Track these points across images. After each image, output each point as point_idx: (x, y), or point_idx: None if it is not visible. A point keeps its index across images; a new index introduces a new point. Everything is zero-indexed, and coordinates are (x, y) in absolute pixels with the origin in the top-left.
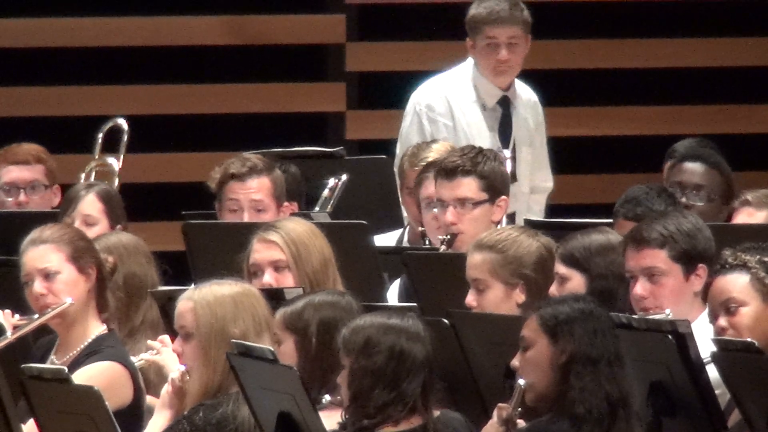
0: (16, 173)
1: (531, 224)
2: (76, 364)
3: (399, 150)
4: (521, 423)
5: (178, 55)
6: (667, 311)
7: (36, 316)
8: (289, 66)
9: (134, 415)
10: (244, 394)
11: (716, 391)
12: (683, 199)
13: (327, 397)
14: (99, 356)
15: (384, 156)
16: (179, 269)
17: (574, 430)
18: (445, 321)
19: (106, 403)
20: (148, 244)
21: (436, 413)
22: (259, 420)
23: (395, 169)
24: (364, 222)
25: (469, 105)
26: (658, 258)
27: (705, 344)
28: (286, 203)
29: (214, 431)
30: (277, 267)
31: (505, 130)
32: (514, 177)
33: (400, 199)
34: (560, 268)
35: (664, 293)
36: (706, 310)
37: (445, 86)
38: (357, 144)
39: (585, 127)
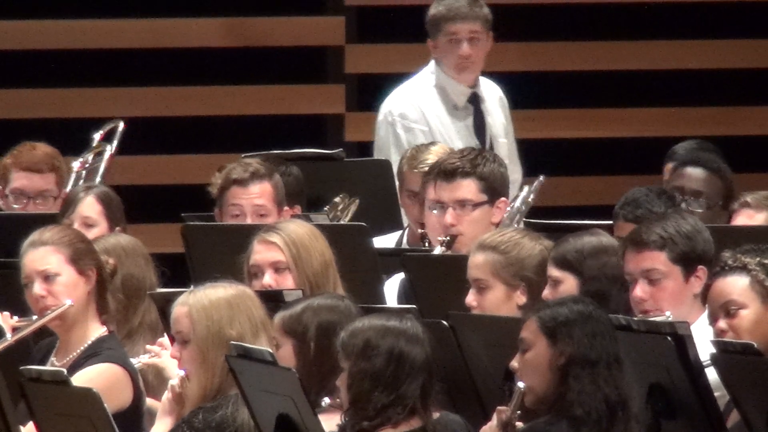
0: (26, 181)
1: (531, 226)
2: (75, 366)
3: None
4: (520, 425)
5: (178, 57)
6: (667, 313)
7: (35, 317)
8: (288, 68)
9: (133, 417)
10: (243, 397)
11: (715, 394)
12: (683, 205)
13: (326, 400)
14: (98, 358)
15: (383, 158)
16: (178, 271)
17: None
18: (445, 323)
19: (105, 405)
20: (148, 246)
21: (436, 415)
22: (258, 422)
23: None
24: (363, 224)
25: (441, 108)
26: (658, 260)
27: (705, 346)
28: (286, 207)
29: None
30: (277, 268)
31: (480, 126)
32: None
33: (400, 201)
34: (553, 272)
35: (664, 295)
36: (706, 312)
37: (414, 93)
38: (356, 146)
39: (585, 129)
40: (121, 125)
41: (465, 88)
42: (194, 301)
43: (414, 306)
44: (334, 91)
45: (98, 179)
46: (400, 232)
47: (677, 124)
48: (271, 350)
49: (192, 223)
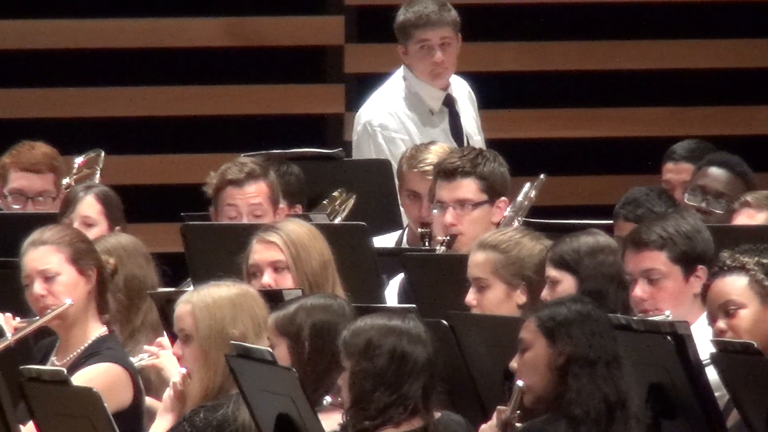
0: (25, 181)
1: (531, 226)
2: (76, 365)
3: None
4: (519, 425)
5: (178, 56)
6: (667, 312)
7: (36, 318)
8: (288, 68)
9: (134, 416)
10: (243, 396)
11: (715, 393)
12: (703, 204)
13: (328, 399)
14: (98, 358)
15: (383, 158)
16: (178, 271)
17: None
18: (444, 322)
19: (105, 404)
20: (147, 245)
21: (437, 415)
22: (258, 422)
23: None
24: (362, 223)
25: (419, 116)
26: (658, 260)
27: (704, 346)
28: (282, 205)
29: None
30: (276, 268)
31: (456, 128)
32: None
33: (399, 201)
34: (551, 272)
35: (664, 295)
36: (706, 312)
37: (390, 102)
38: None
39: (584, 129)
40: (103, 155)
41: (439, 91)
42: (197, 299)
43: (414, 305)
44: (333, 90)
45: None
46: (400, 231)
47: (677, 124)
48: (271, 350)
49: (191, 222)
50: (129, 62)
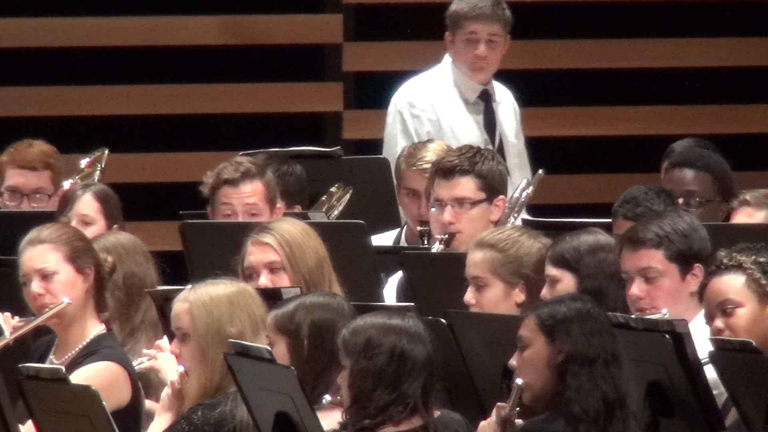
0: (21, 178)
1: (529, 224)
2: (74, 364)
3: (385, 152)
4: (519, 422)
5: (176, 55)
6: (664, 311)
7: (34, 316)
8: (286, 66)
9: (132, 415)
10: (242, 394)
11: (714, 391)
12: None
13: (327, 397)
14: (97, 356)
15: (381, 156)
16: (176, 269)
17: (569, 430)
18: (443, 320)
19: (104, 403)
20: (146, 243)
21: (437, 413)
22: (256, 420)
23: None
24: (361, 222)
25: (452, 102)
26: (654, 258)
27: (702, 344)
28: (278, 205)
29: (212, 431)
30: (272, 268)
31: (489, 123)
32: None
33: (398, 199)
34: (551, 270)
35: (661, 294)
36: (703, 311)
37: (426, 85)
38: (354, 144)
39: (583, 128)
40: (106, 153)
41: (476, 85)
42: (195, 297)
43: (412, 304)
44: (331, 89)
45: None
46: (398, 230)
47: (676, 123)
48: (269, 348)
49: (190, 220)
50: (127, 60)
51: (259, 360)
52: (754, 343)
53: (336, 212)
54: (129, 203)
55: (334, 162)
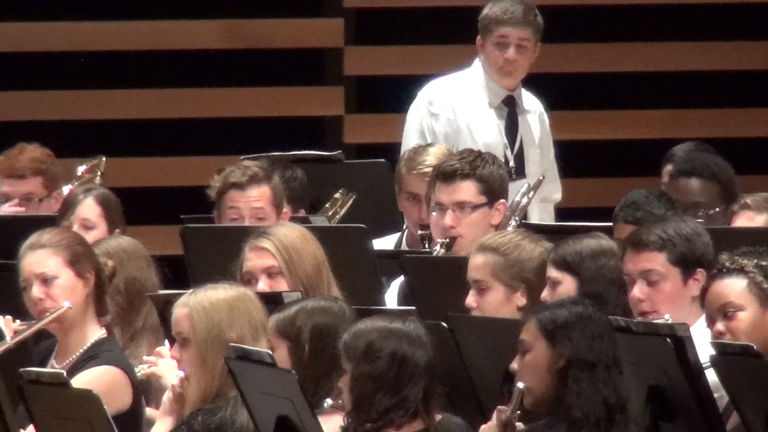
0: (8, 187)
1: (530, 228)
2: (75, 368)
3: (402, 149)
4: (520, 426)
5: (177, 59)
6: (666, 316)
7: (35, 320)
8: (287, 70)
9: (133, 419)
10: (243, 399)
11: (715, 395)
12: None
13: (328, 401)
14: (97, 361)
15: (382, 160)
16: (178, 273)
17: None
18: (444, 324)
19: (105, 407)
20: (147, 248)
21: (438, 417)
22: (257, 424)
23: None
24: (362, 226)
25: (474, 104)
26: (657, 261)
27: (703, 348)
28: (284, 210)
29: None
30: (270, 274)
31: (511, 128)
32: (522, 173)
33: (398, 203)
34: (552, 273)
35: (662, 297)
36: (705, 315)
37: (451, 85)
38: (355, 148)
39: (584, 131)
40: (104, 160)
41: (503, 90)
42: (195, 302)
43: (413, 308)
44: (332, 93)
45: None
46: (399, 233)
47: (677, 126)
48: (270, 352)
49: (191, 225)
50: (129, 64)
51: (261, 364)
52: (755, 347)
53: (338, 217)
54: (130, 207)
55: (335, 166)
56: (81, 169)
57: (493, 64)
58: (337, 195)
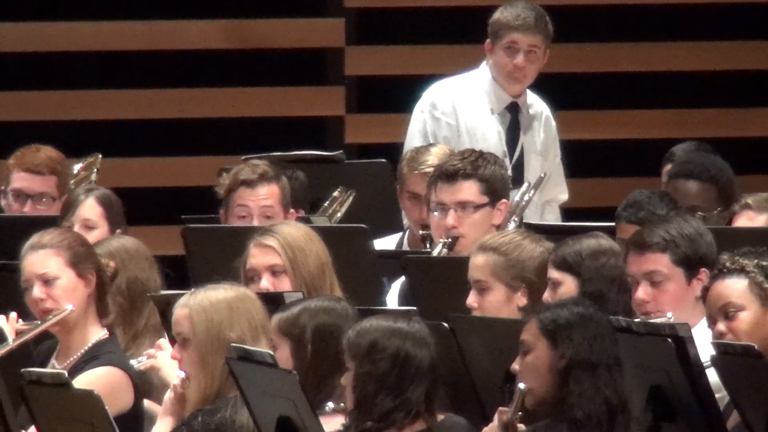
0: (26, 182)
1: (531, 228)
2: (76, 369)
3: (405, 150)
4: (521, 427)
5: (178, 59)
6: (669, 315)
7: (38, 322)
8: (288, 70)
9: (135, 420)
10: (244, 399)
11: (716, 395)
12: None
13: (330, 405)
14: (98, 362)
15: (383, 160)
16: (179, 273)
17: None
18: (445, 325)
19: (107, 408)
20: (148, 248)
21: (440, 417)
22: (258, 424)
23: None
24: (363, 226)
25: (477, 109)
26: (660, 262)
27: (707, 348)
28: (291, 210)
29: None
30: (274, 271)
31: (512, 135)
32: (519, 183)
33: (400, 203)
34: (553, 273)
35: (666, 298)
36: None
37: (454, 88)
38: (356, 148)
39: (586, 131)
40: (100, 157)
41: (507, 96)
42: (195, 303)
43: (414, 308)
44: (334, 93)
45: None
46: (401, 234)
47: (678, 127)
48: (272, 353)
49: (192, 225)
50: (130, 64)
51: (262, 364)
52: (756, 347)
53: (338, 216)
54: (131, 207)
55: (336, 166)
56: (77, 167)
57: (502, 69)
58: (335, 193)
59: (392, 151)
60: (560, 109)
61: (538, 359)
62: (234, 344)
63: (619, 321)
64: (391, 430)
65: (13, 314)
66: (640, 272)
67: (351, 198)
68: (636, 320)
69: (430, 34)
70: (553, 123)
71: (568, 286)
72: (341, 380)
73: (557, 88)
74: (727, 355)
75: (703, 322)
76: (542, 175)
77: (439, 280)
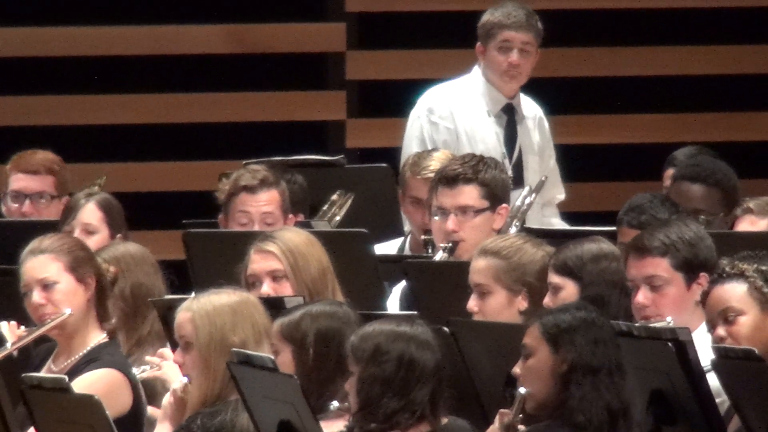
0: (23, 182)
1: (532, 232)
2: (74, 371)
3: (402, 156)
4: (522, 429)
5: (179, 63)
6: (669, 319)
7: (37, 326)
8: (289, 74)
9: (133, 422)
10: (245, 403)
11: (716, 399)
12: None
13: (335, 404)
14: (97, 364)
15: (384, 164)
16: (180, 278)
17: None
18: (446, 329)
19: (107, 411)
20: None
21: (444, 420)
22: (259, 429)
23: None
24: (364, 230)
25: (473, 112)
26: (660, 266)
27: (707, 352)
28: (291, 215)
29: None
30: (275, 277)
31: (510, 136)
32: (520, 183)
33: (402, 208)
34: (554, 278)
35: (666, 302)
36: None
37: (450, 92)
38: (357, 152)
39: (586, 136)
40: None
41: (502, 97)
42: (198, 306)
43: (415, 312)
44: (335, 97)
45: None
46: (402, 238)
47: (679, 130)
48: (272, 357)
49: (193, 230)
50: (131, 69)
51: (263, 369)
52: (756, 351)
53: (337, 218)
54: (132, 212)
55: (338, 170)
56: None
57: (497, 68)
58: (334, 196)
59: (393, 155)
60: (561, 113)
61: (539, 363)
62: (235, 348)
63: (620, 325)
64: (396, 431)
65: (13, 323)
66: (640, 276)
67: (350, 201)
68: (637, 324)
69: (432, 38)
70: (546, 124)
71: (569, 290)
72: (345, 385)
73: (558, 93)
74: (728, 360)
75: (703, 327)
76: (543, 179)
77: (440, 285)
